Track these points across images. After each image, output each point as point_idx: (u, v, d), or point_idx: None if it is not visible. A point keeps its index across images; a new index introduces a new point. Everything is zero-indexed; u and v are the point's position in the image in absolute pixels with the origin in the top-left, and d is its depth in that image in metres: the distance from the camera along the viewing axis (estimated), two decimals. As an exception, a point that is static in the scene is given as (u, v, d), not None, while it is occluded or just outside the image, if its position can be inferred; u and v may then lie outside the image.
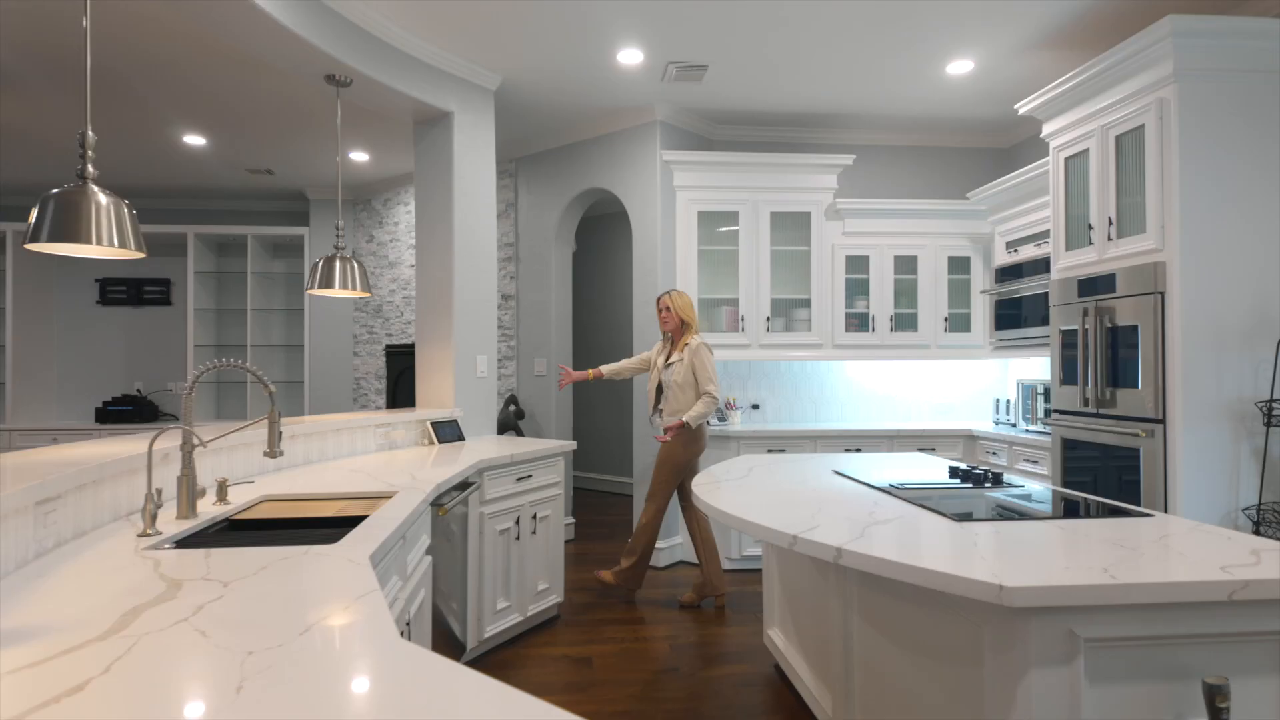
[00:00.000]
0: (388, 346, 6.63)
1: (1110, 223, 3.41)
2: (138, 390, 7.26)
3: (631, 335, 6.69)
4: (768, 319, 4.83)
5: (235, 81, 4.22)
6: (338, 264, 3.38)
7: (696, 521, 4.06)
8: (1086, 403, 3.52)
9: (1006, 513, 2.04)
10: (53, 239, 2.07)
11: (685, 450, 3.92)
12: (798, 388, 5.28)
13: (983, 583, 1.39)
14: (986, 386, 5.35)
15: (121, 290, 7.25)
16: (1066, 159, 3.74)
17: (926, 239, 4.97)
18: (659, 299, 4.07)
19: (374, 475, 2.76)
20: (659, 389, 4.06)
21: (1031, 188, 4.33)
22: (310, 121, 4.96)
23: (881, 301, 4.94)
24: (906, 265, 5.00)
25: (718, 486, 2.55)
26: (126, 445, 2.31)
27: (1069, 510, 2.11)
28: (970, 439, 4.71)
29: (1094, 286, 3.48)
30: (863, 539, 1.72)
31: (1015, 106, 4.06)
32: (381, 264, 6.69)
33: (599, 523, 6.18)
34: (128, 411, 6.86)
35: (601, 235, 7.75)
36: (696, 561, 4.53)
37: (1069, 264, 3.71)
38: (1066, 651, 1.40)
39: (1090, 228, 3.54)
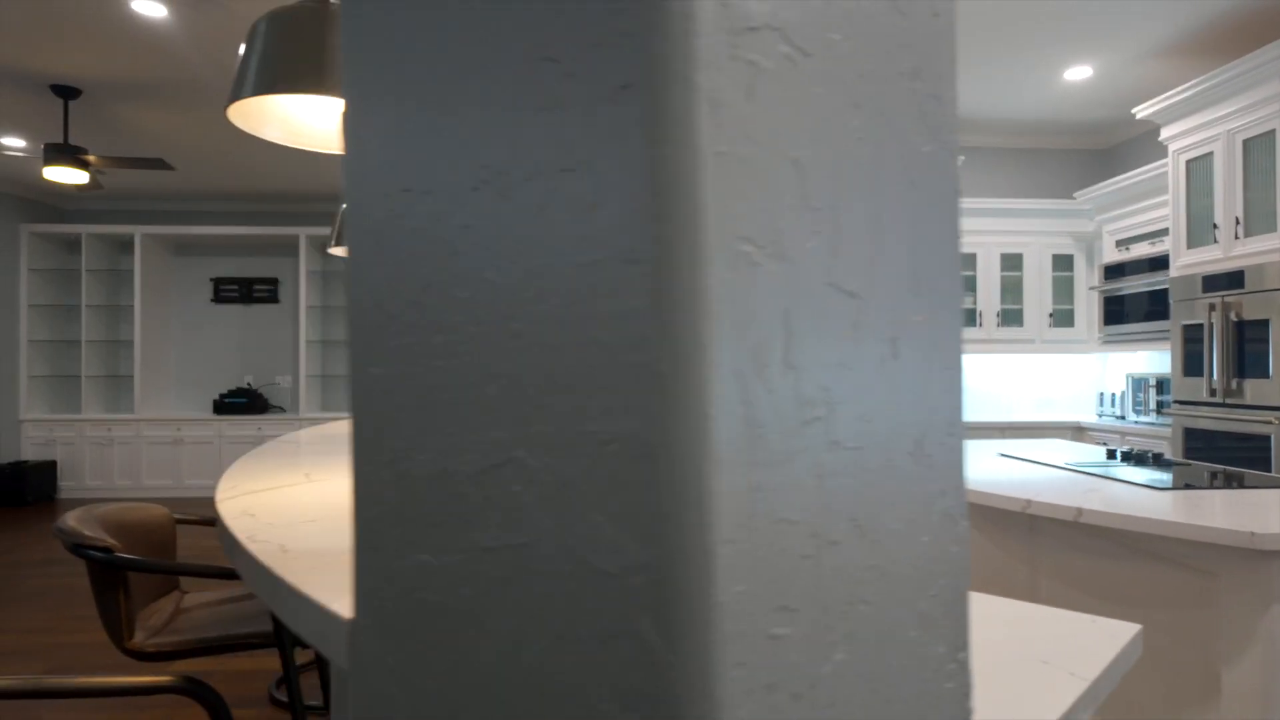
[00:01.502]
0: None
1: (1237, 222, 3.59)
2: (248, 384, 7.68)
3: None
4: (877, 315, 5.06)
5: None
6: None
7: None
8: (1213, 393, 3.71)
9: (1195, 482, 2.27)
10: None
11: None
12: (901, 381, 5.50)
13: (1234, 530, 1.63)
14: (1089, 381, 5.52)
15: (233, 289, 7.69)
16: (1188, 161, 3.93)
17: (1031, 237, 5.17)
18: None
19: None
20: None
21: (1145, 188, 4.51)
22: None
23: (989, 297, 5.15)
24: (1012, 262, 5.20)
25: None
26: None
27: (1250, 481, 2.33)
28: (1078, 430, 4.89)
29: (1220, 282, 3.66)
30: (1087, 502, 1.96)
31: (1133, 111, 4.25)
32: (485, 263, 7.02)
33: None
34: (242, 404, 7.28)
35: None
36: None
37: (1190, 261, 3.89)
38: (1304, 591, 1.63)
39: (1215, 227, 3.72)
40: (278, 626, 1.70)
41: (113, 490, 7.00)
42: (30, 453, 6.97)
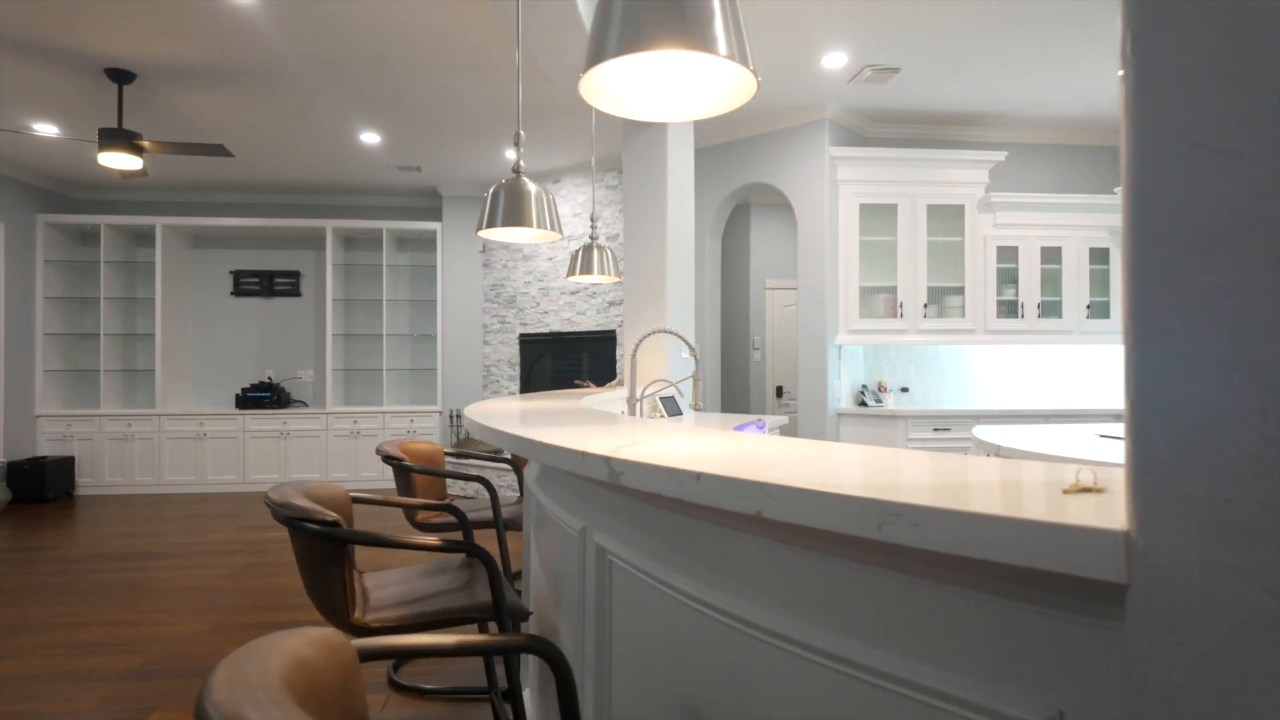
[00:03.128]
0: (521, 335, 6.94)
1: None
2: (268, 378, 7.56)
3: (765, 323, 7.01)
4: (924, 305, 5.16)
5: (432, 84, 4.55)
6: (595, 252, 3.70)
7: None
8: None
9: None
10: (507, 223, 2.39)
11: None
12: (943, 372, 5.61)
13: None
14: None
15: (254, 282, 7.57)
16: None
17: (1069, 230, 5.30)
18: None
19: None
20: None
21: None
22: (472, 122, 5.28)
23: (1029, 290, 5.27)
24: (1051, 256, 5.33)
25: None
26: (566, 401, 2.64)
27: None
28: (1118, 417, 5.03)
29: None
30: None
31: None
32: (517, 257, 7.00)
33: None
34: (265, 398, 7.17)
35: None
36: None
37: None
38: None
39: None
40: (497, 600, 1.70)
41: (133, 487, 6.86)
42: (46, 449, 6.79)
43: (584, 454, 1.09)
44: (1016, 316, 5.29)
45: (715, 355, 5.82)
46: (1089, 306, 5.32)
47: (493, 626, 3.11)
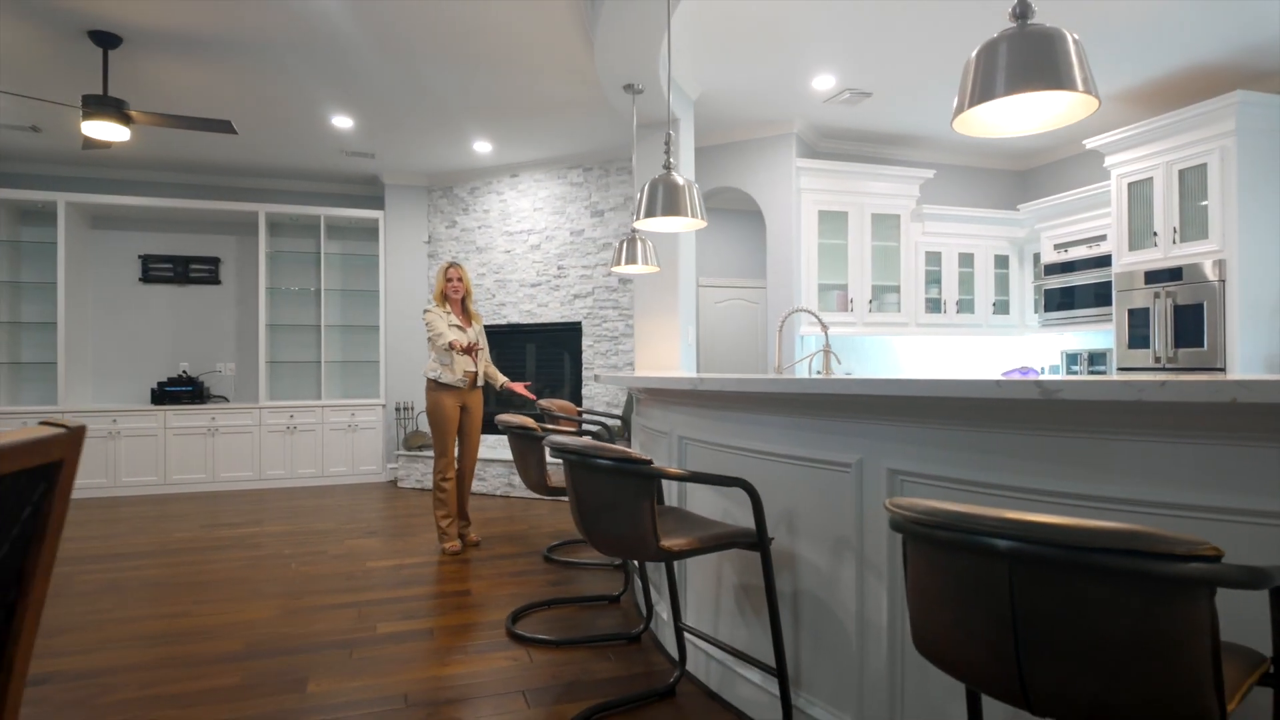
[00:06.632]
0: (472, 327, 6.96)
1: (1175, 230, 4.77)
2: (183, 372, 7.04)
3: (697, 317, 7.47)
4: (869, 301, 5.89)
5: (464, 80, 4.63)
6: (638, 244, 4.00)
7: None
8: (1157, 360, 4.87)
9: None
10: (665, 214, 2.70)
11: None
12: (881, 359, 6.39)
13: None
14: (1029, 357, 6.74)
15: (166, 267, 7.02)
16: (1129, 184, 5.09)
17: (980, 240, 6.25)
18: (451, 267, 4.38)
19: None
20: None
21: (1084, 203, 5.69)
22: (441, 113, 5.37)
23: (950, 289, 6.16)
24: (966, 260, 6.26)
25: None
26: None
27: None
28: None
29: (1161, 276, 4.83)
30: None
31: (1084, 142, 5.39)
32: (469, 249, 7.02)
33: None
34: (187, 392, 6.70)
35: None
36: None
37: (1132, 260, 5.06)
38: None
39: (1155, 234, 4.90)
40: (760, 530, 2.02)
41: (28, 493, 6.13)
42: (-82, 452, 5.91)
43: (999, 383, 1.47)
44: (939, 312, 6.16)
45: (680, 345, 6.23)
46: (994, 304, 6.30)
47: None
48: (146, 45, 4.19)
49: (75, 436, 0.79)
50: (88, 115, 4.01)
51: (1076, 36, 1.54)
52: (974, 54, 1.57)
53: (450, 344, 4.07)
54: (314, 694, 2.45)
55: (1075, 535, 0.97)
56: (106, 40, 4.07)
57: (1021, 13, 1.55)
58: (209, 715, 2.30)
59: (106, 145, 4.42)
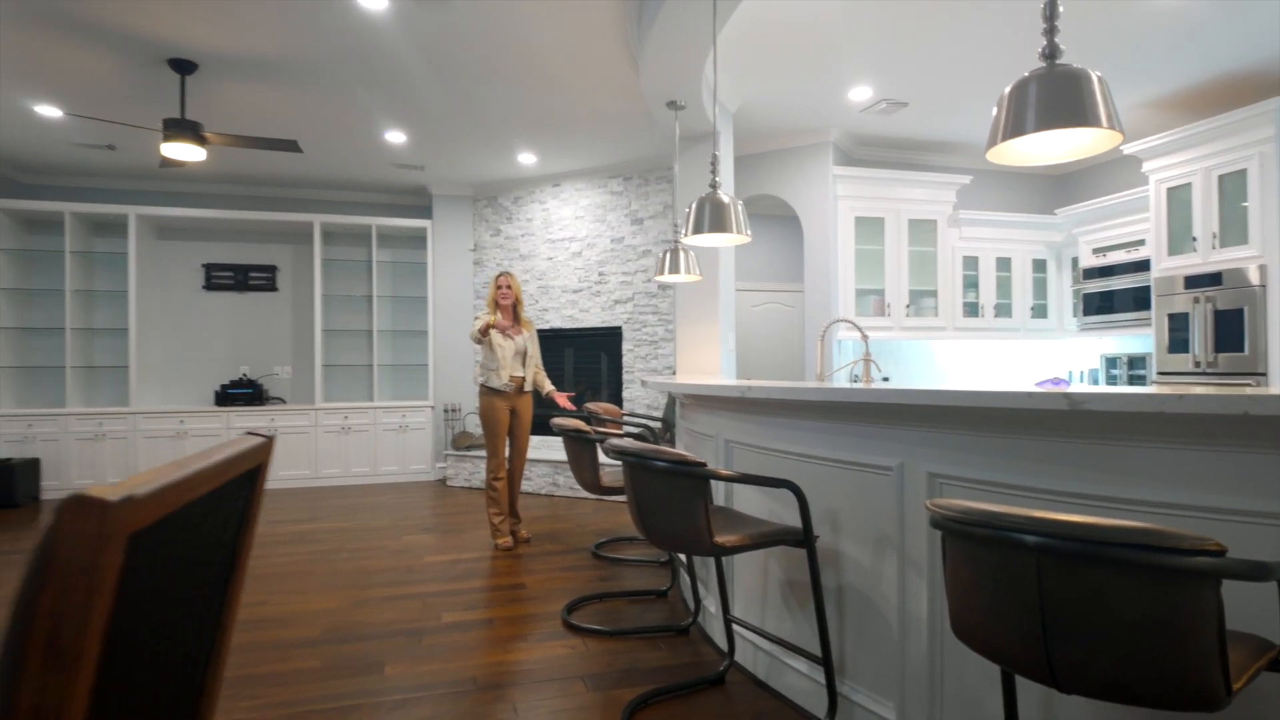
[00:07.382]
0: (516, 331, 7.20)
1: (1214, 236, 4.80)
2: (244, 375, 7.38)
3: (733, 323, 7.63)
4: (906, 306, 5.98)
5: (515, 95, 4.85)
6: (681, 254, 4.17)
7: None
8: (1196, 364, 4.90)
9: None
10: (713, 230, 2.86)
11: None
12: (918, 363, 6.47)
13: None
14: (1066, 361, 6.77)
15: (228, 275, 7.36)
16: (1168, 189, 5.12)
17: (1017, 244, 6.30)
18: (502, 275, 4.61)
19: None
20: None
21: (1122, 208, 5.72)
22: (490, 127, 5.59)
23: (987, 293, 6.22)
24: (1004, 265, 6.31)
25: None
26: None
27: None
28: (1062, 400, 6.06)
29: (1201, 281, 4.86)
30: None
31: (1121, 147, 5.42)
32: (512, 256, 7.26)
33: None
34: (247, 394, 7.03)
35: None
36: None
37: (1172, 265, 5.08)
38: None
39: (1194, 239, 4.92)
40: (806, 529, 2.17)
41: (102, 489, 6.50)
42: (5, 450, 6.33)
43: (1030, 394, 1.62)
44: (977, 316, 6.23)
45: (719, 349, 6.38)
46: (1032, 308, 6.35)
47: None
48: (219, 70, 4.48)
49: (270, 445, 0.99)
50: (168, 138, 4.30)
51: (1100, 74, 1.67)
52: (1006, 91, 1.71)
53: (483, 327, 4.28)
54: (391, 676, 2.67)
55: (1095, 532, 1.11)
56: (184, 67, 4.36)
57: (1050, 53, 1.69)
58: (299, 694, 2.53)
59: (182, 164, 4.72)
